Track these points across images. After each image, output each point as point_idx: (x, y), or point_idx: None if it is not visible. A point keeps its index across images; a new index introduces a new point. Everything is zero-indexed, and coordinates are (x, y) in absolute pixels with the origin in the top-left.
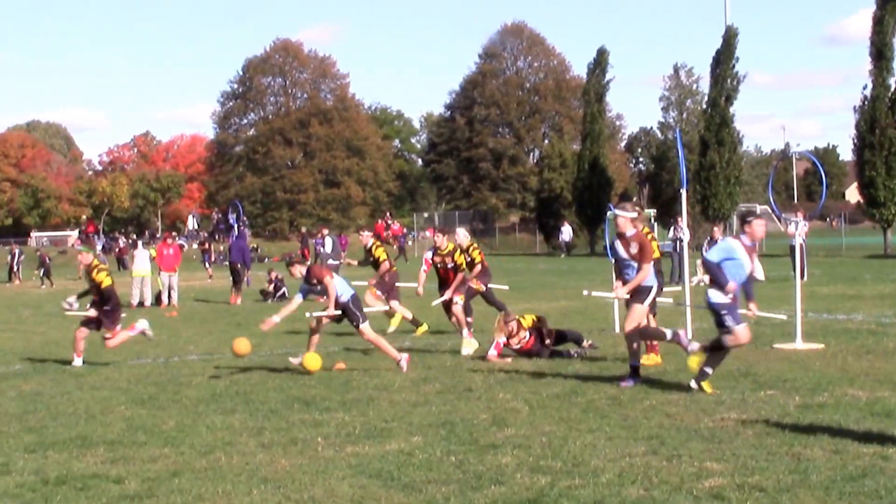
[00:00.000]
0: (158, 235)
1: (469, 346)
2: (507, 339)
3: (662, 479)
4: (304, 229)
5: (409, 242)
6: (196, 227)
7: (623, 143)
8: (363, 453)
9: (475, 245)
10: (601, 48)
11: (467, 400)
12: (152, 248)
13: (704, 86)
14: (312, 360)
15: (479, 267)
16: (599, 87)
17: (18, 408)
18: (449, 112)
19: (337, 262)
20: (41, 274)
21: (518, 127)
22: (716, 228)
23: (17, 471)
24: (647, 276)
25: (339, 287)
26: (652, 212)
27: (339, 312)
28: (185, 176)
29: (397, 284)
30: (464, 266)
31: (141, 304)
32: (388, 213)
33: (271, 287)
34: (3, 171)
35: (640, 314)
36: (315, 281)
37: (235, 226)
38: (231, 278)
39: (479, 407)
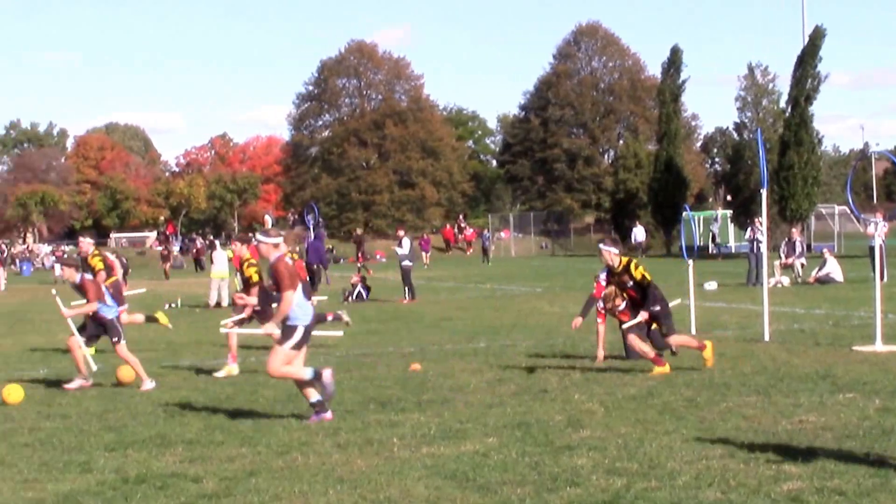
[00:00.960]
0: (235, 236)
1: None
2: (605, 303)
3: (740, 481)
4: (358, 231)
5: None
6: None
7: (699, 144)
8: (438, 454)
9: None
10: (675, 47)
11: (542, 401)
12: (230, 250)
13: (781, 85)
14: (13, 393)
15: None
16: (674, 87)
17: (99, 406)
18: (523, 113)
19: (410, 264)
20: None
21: (593, 127)
22: (794, 230)
23: (98, 469)
24: (290, 307)
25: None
26: (728, 212)
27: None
28: (262, 177)
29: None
30: (255, 279)
31: (218, 304)
32: (460, 216)
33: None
34: (83, 172)
35: (283, 356)
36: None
37: (311, 227)
38: (308, 278)
39: (555, 408)
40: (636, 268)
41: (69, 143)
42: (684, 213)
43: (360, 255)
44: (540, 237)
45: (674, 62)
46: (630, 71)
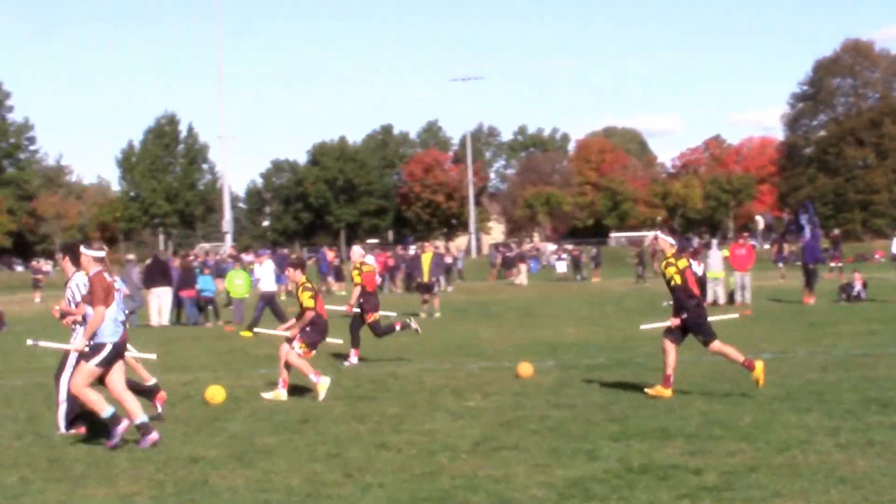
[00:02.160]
0: (730, 236)
1: (322, 389)
2: None
3: None
4: (835, 231)
5: None
6: (767, 227)
7: None
8: None
9: (367, 264)
10: None
11: None
12: (725, 249)
13: None
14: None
15: (357, 289)
16: None
17: (603, 398)
18: None
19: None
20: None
21: None
22: None
23: (603, 458)
24: (101, 322)
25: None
26: None
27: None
28: (756, 178)
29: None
30: (306, 303)
31: (715, 302)
32: None
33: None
34: (584, 174)
35: (87, 373)
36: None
37: (807, 227)
38: (804, 278)
39: None
40: (668, 266)
41: (570, 147)
42: None
43: (836, 255)
44: None
45: None
46: None
